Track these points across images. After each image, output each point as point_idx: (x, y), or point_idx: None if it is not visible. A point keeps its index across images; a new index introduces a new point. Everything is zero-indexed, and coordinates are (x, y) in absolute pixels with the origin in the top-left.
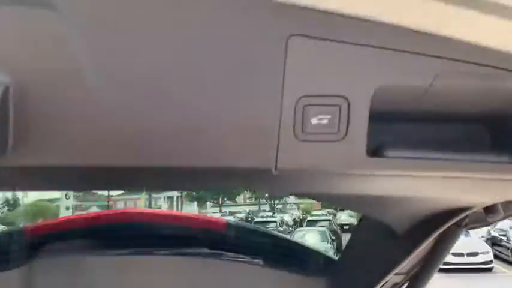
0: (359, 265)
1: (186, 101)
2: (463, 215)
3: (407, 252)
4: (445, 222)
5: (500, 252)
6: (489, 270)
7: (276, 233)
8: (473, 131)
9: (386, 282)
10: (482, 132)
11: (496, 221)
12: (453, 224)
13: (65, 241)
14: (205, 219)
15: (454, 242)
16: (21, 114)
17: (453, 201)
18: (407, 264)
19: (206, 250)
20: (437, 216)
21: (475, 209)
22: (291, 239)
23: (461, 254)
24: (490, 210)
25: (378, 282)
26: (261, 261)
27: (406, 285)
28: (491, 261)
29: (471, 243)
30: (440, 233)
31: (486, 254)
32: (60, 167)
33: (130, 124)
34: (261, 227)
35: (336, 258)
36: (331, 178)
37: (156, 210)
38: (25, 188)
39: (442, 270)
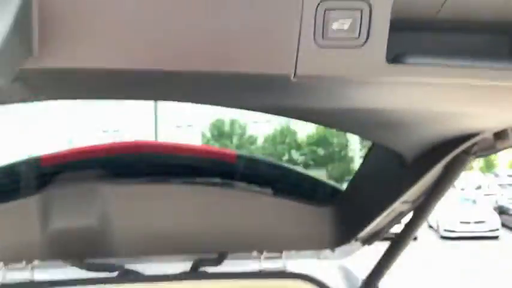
0: (366, 194)
1: (205, 2)
2: (472, 141)
3: (415, 180)
4: (454, 148)
5: (507, 220)
6: (495, 238)
7: (285, 164)
8: (493, 41)
9: (392, 211)
10: (502, 43)
11: (504, 148)
12: (462, 151)
13: (78, 170)
14: (215, 151)
15: (461, 172)
16: (45, 13)
17: (465, 124)
18: (414, 192)
19: (217, 180)
20: (447, 142)
21: (484, 135)
22: (299, 169)
23: (468, 222)
24: (499, 136)
25: (384, 210)
26: (270, 191)
27: (411, 214)
28: (497, 229)
29: (478, 211)
30: (448, 162)
31: (493, 222)
32: (86, 69)
33: (153, 26)
34: (270, 158)
35: (343, 188)
36: (349, 87)
37: (168, 142)
38: (49, 95)
39: (448, 238)
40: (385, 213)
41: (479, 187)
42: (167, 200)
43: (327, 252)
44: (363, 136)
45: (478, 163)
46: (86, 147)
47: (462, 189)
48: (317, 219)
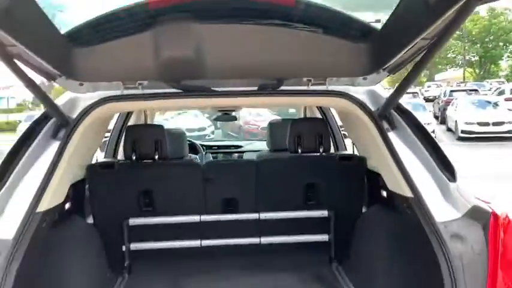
0: (395, 32)
1: None
2: None
3: (434, 19)
4: None
5: None
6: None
7: (334, 7)
8: None
9: (413, 46)
10: None
11: None
12: None
13: (177, 13)
14: None
15: (468, 16)
16: None
17: None
18: (432, 30)
19: (277, 21)
20: None
21: None
22: (344, 11)
23: (486, 124)
24: None
25: (407, 45)
26: (320, 30)
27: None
28: None
29: (497, 113)
30: (460, 6)
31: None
32: None
33: None
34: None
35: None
36: None
37: None
38: None
39: (464, 139)
40: (408, 48)
41: (502, 92)
42: (240, 37)
43: (360, 79)
44: None
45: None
46: None
47: (485, 94)
48: (354, 53)
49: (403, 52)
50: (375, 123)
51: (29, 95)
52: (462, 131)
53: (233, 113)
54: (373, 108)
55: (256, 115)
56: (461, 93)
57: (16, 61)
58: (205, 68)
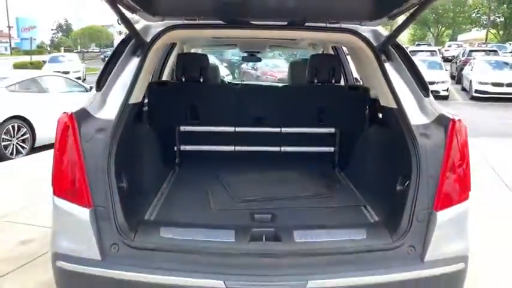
0: None
1: None
2: None
3: None
4: None
5: None
6: None
7: None
8: None
9: None
10: None
11: None
12: None
13: None
14: None
15: None
16: None
17: None
18: None
19: None
20: None
21: None
22: None
23: (501, 84)
24: None
25: None
26: None
27: None
28: None
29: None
30: None
31: None
32: None
33: None
34: None
35: None
36: None
37: None
38: None
39: (477, 99)
40: None
41: None
42: None
43: (367, 22)
44: None
45: None
46: None
47: (504, 55)
48: (363, 1)
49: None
50: (375, 55)
51: (46, 39)
52: (476, 91)
53: (258, 55)
54: (375, 44)
55: (274, 66)
56: (480, 53)
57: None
58: (248, 8)
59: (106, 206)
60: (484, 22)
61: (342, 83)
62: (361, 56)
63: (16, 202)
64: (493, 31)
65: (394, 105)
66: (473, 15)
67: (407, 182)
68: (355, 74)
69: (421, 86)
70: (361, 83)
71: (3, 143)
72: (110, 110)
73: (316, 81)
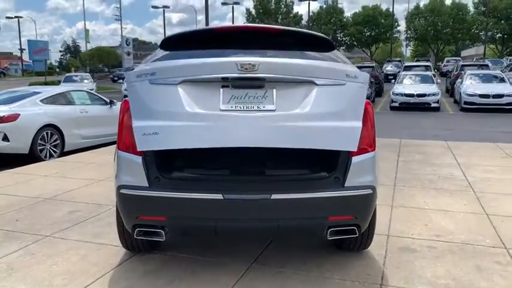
0: None
1: None
2: None
3: None
4: None
5: None
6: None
7: None
8: None
9: None
10: None
11: None
12: None
13: None
14: None
15: None
16: None
17: None
18: None
19: None
20: None
21: None
22: None
23: (487, 96)
24: None
25: None
26: None
27: None
28: None
29: (498, 86)
30: None
31: (511, 96)
32: None
33: None
34: None
35: None
36: None
37: None
38: None
39: (466, 110)
40: None
41: (508, 66)
42: None
43: None
44: None
45: None
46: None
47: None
48: None
49: None
50: None
51: (53, 60)
52: (465, 102)
53: None
54: None
55: None
56: (472, 67)
57: None
58: None
59: (151, 155)
60: (483, 38)
61: None
62: None
63: (59, 189)
64: (492, 46)
65: None
66: (472, 31)
67: None
68: None
69: None
70: None
71: (38, 148)
72: None
73: None
